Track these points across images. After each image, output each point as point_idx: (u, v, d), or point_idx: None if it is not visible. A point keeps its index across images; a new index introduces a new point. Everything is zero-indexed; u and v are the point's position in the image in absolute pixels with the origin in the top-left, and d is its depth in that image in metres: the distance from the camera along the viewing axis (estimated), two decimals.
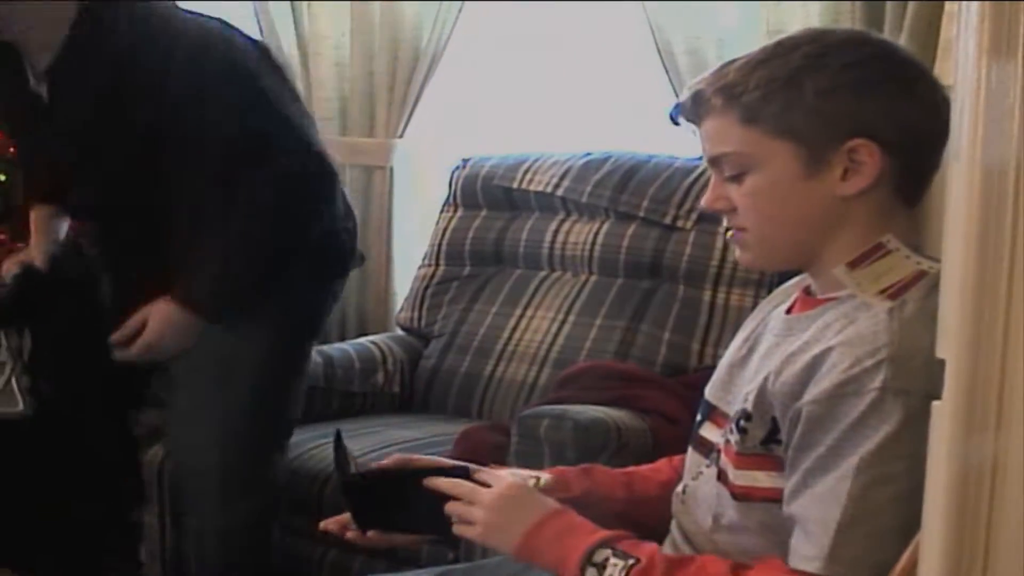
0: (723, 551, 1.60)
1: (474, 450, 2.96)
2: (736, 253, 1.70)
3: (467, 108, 4.21)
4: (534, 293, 3.58)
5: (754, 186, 1.59)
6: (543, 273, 3.62)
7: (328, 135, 3.60)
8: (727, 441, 1.62)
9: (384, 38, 4.05)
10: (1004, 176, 1.10)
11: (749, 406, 1.58)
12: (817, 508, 1.45)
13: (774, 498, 1.54)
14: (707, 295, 3.30)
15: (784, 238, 1.62)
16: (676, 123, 1.70)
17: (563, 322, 3.47)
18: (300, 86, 4.12)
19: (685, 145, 3.76)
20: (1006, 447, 1.12)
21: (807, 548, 1.46)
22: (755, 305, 3.22)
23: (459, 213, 3.83)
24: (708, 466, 1.69)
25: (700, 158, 3.53)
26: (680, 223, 3.39)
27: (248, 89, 2.66)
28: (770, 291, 3.25)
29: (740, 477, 1.58)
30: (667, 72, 3.81)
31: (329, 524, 1.89)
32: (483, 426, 3.17)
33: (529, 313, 3.54)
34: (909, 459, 1.38)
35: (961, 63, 1.15)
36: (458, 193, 3.86)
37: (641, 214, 3.46)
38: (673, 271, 3.37)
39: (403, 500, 1.78)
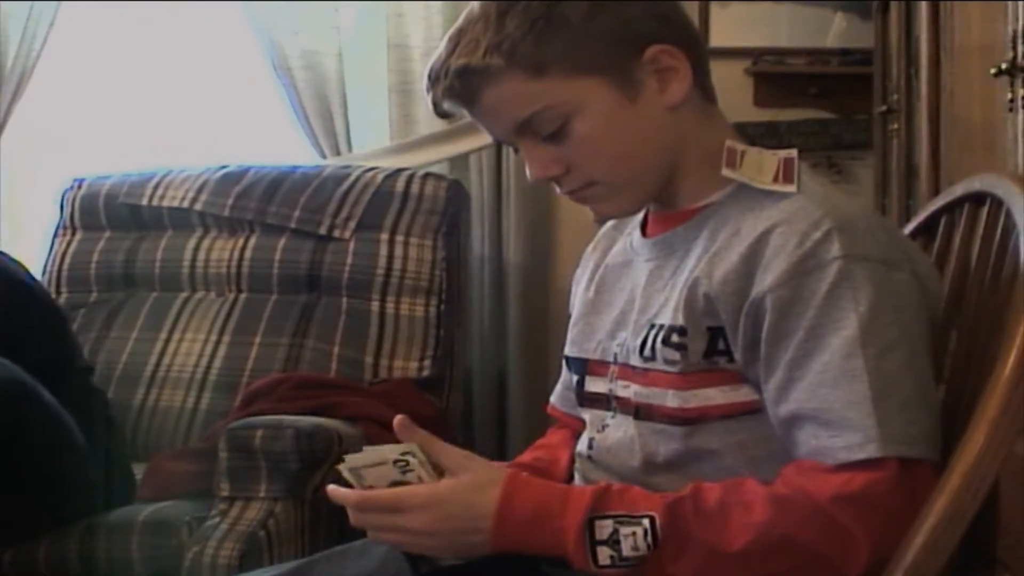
0: (663, 490, 1.39)
1: (168, 485, 2.71)
2: (593, 211, 1.56)
3: (61, 130, 3.91)
4: (178, 315, 3.31)
5: (586, 130, 1.46)
6: (184, 294, 3.36)
7: None
8: (646, 371, 1.46)
9: None
10: None
11: (680, 320, 1.42)
12: (833, 394, 1.30)
13: (731, 414, 1.40)
14: (375, 306, 3.17)
15: (641, 168, 1.50)
16: (446, 115, 1.54)
17: (217, 343, 3.23)
18: None
19: (306, 159, 3.67)
20: None
21: (845, 437, 1.29)
22: (428, 314, 3.18)
23: (78, 236, 3.50)
24: (613, 416, 1.55)
25: (348, 166, 3.44)
26: (337, 232, 3.24)
27: None
28: (441, 298, 3.22)
29: (692, 399, 1.42)
30: (284, 87, 3.71)
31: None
32: (171, 454, 2.88)
33: (176, 336, 3.27)
34: (898, 326, 1.32)
35: None
36: (75, 215, 3.52)
37: (292, 225, 3.28)
38: (334, 283, 3.22)
39: None
